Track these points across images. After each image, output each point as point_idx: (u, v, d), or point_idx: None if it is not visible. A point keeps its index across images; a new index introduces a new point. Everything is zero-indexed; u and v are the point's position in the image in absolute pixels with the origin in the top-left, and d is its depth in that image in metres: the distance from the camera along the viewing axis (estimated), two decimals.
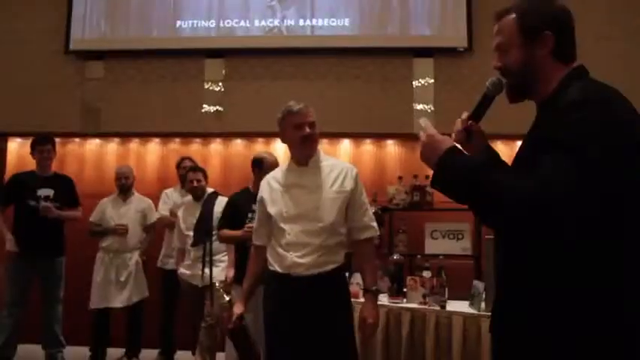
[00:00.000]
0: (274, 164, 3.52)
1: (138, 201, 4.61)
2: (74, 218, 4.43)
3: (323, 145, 5.20)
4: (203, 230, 3.87)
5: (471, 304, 2.96)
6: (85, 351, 4.47)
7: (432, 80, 5.02)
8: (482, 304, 2.85)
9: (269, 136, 5.22)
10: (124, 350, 4.54)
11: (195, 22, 5.19)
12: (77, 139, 5.43)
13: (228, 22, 5.17)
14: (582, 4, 4.91)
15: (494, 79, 1.48)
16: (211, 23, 5.18)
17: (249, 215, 3.55)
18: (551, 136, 1.26)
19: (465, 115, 1.50)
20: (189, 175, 4.09)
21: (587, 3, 4.91)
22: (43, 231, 4.18)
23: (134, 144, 5.42)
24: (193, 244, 3.89)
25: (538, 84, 1.44)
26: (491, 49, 1.52)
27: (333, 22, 5.09)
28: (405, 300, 3.15)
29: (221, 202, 4.00)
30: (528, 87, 1.46)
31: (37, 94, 5.21)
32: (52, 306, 4.26)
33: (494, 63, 1.51)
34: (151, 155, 5.40)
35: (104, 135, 5.33)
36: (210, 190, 4.14)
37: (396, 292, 3.20)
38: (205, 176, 4.09)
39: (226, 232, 3.47)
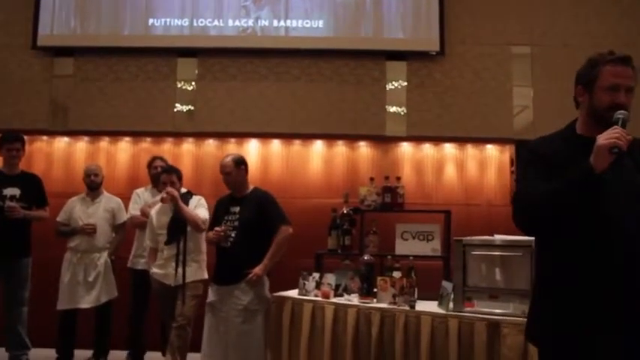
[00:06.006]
0: (222, 167, 3.69)
1: (107, 200, 4.54)
2: (41, 218, 4.34)
3: (295, 146, 5.25)
4: (177, 229, 3.84)
5: (440, 304, 3.01)
6: (51, 353, 4.38)
7: (405, 83, 5.09)
8: (451, 304, 2.90)
9: (241, 136, 5.21)
10: (91, 352, 4.46)
11: (167, 20, 5.15)
12: (45, 137, 5.32)
13: (201, 22, 5.14)
14: (551, 15, 5.08)
15: (627, 113, 1.72)
16: (184, 22, 5.14)
17: (225, 217, 3.60)
18: None
19: (622, 130, 1.66)
20: (162, 177, 4.00)
21: (556, 14, 5.07)
22: (8, 231, 4.08)
23: (104, 142, 5.34)
24: (167, 243, 3.85)
25: None
26: (625, 86, 1.76)
27: (307, 23, 5.11)
28: (375, 300, 3.18)
29: (194, 201, 3.99)
30: None
31: (3, 90, 5.09)
32: (16, 307, 4.16)
33: (624, 99, 1.75)
34: (122, 154, 5.33)
35: (73, 133, 5.24)
36: (183, 190, 4.09)
37: (367, 292, 3.23)
38: (179, 177, 4.02)
39: (208, 233, 3.72)
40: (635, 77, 1.79)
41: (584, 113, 1.84)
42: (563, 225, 1.73)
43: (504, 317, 2.69)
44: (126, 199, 4.60)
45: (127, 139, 5.32)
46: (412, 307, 3.00)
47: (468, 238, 2.96)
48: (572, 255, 1.73)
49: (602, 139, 1.62)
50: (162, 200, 3.85)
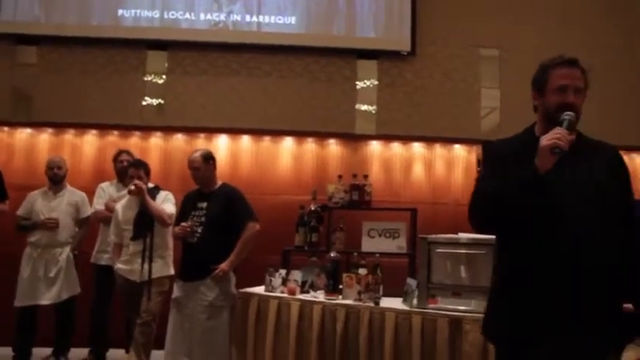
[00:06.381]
0: (190, 162, 3.65)
1: (70, 194, 4.44)
2: (0, 212, 4.20)
3: (265, 143, 5.22)
4: (144, 224, 3.77)
5: (404, 301, 3.04)
6: (7, 351, 4.25)
7: (376, 82, 5.12)
8: (415, 301, 2.93)
9: (211, 131, 5.17)
10: (51, 350, 4.35)
11: (137, 11, 5.07)
12: (6, 128, 5.16)
13: (172, 14, 5.07)
14: (518, 19, 5.18)
15: (574, 114, 1.76)
16: (155, 14, 5.07)
17: (193, 213, 3.57)
18: (631, 189, 1.85)
19: (563, 130, 1.70)
20: (130, 171, 3.91)
21: (522, 18, 5.18)
22: None
23: (69, 135, 5.21)
24: (133, 238, 3.78)
25: None
26: (573, 86, 1.81)
27: (279, 19, 5.09)
28: (340, 297, 3.20)
29: (161, 197, 3.93)
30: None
31: None
32: None
33: (572, 99, 1.79)
34: (88, 147, 5.21)
35: (36, 124, 5.10)
36: (151, 185, 4.02)
37: (332, 289, 3.24)
38: (147, 172, 3.93)
39: (174, 228, 3.67)
40: (585, 78, 1.84)
41: (540, 117, 1.89)
42: (516, 225, 1.77)
43: (466, 314, 2.73)
44: (91, 194, 4.50)
45: (94, 131, 5.21)
46: (377, 303, 3.02)
47: (433, 235, 3.00)
48: (525, 255, 1.77)
49: (545, 140, 1.68)
50: (130, 192, 3.78)
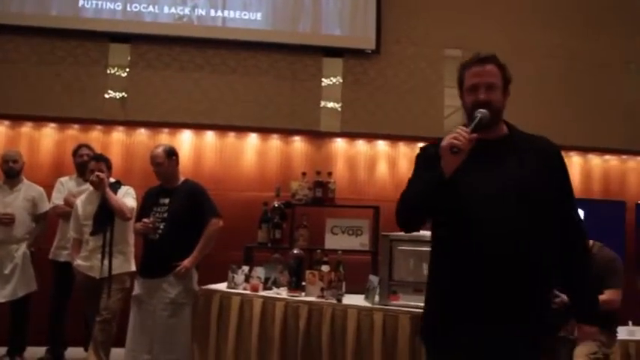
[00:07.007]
0: (152, 157, 3.61)
1: (27, 189, 4.31)
2: None
3: (229, 139, 5.19)
4: (104, 219, 3.70)
5: (366, 298, 3.08)
6: None
7: (341, 80, 5.15)
8: (377, 298, 2.98)
9: (175, 126, 5.10)
10: (6, 349, 4.23)
11: (99, 3, 4.95)
12: None
13: (135, 7, 4.98)
14: (481, 20, 5.30)
15: (486, 111, 1.77)
16: (117, 6, 4.96)
17: (154, 209, 3.52)
18: (568, 184, 1.85)
19: (464, 129, 1.69)
20: (91, 164, 3.84)
21: (485, 20, 5.29)
22: None
23: (26, 128, 5.06)
24: (93, 233, 3.70)
25: (498, 122, 1.85)
26: (484, 84, 1.82)
27: (245, 15, 5.06)
28: (303, 294, 3.22)
29: (122, 191, 3.87)
30: (496, 121, 1.84)
31: None
32: None
33: (483, 96, 1.80)
34: (46, 140, 5.07)
35: None
36: (112, 180, 3.95)
37: (295, 285, 3.26)
38: (109, 166, 3.88)
39: (135, 224, 3.62)
40: (502, 74, 1.84)
41: (466, 116, 1.91)
42: (438, 226, 1.82)
43: None
44: (50, 188, 4.38)
45: (53, 125, 5.08)
46: (339, 300, 3.05)
47: (395, 233, 3.04)
48: (445, 254, 1.81)
49: (444, 141, 1.69)
50: (91, 183, 3.71)
